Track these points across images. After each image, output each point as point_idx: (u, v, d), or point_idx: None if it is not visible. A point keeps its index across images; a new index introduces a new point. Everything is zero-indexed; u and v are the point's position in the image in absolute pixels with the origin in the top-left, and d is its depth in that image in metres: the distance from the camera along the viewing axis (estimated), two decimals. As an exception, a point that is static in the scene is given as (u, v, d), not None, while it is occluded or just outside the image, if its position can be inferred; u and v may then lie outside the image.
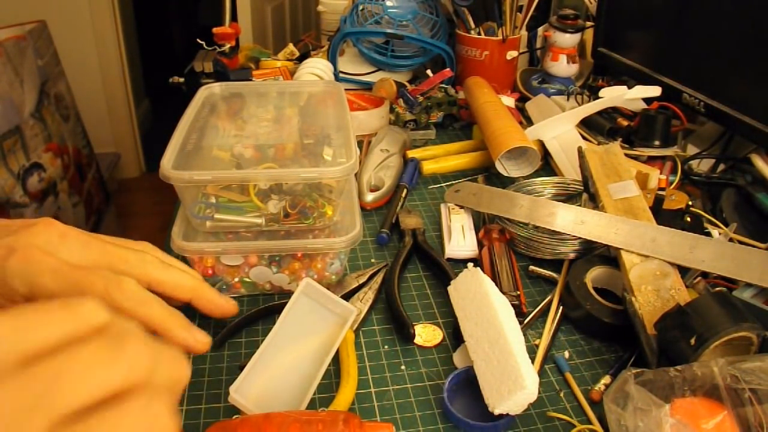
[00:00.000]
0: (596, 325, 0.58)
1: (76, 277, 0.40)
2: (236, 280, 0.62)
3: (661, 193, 0.75)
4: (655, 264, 0.59)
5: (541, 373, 0.54)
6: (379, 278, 0.65)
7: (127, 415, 0.26)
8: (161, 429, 0.27)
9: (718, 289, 0.59)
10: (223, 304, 0.52)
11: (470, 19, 1.13)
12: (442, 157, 0.92)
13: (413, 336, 0.57)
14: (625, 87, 0.93)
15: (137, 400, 0.27)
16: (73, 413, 0.25)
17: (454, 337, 0.58)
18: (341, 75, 1.19)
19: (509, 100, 1.04)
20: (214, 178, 0.58)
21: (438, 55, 1.17)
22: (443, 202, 0.78)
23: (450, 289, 0.59)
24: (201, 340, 0.45)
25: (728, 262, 0.58)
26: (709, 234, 0.69)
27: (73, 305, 0.28)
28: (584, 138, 0.92)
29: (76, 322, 0.27)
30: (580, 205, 0.70)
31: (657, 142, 0.88)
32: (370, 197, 0.79)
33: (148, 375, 0.28)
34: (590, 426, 0.49)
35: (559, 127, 0.91)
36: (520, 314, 0.59)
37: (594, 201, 0.69)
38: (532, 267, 0.67)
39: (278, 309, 0.55)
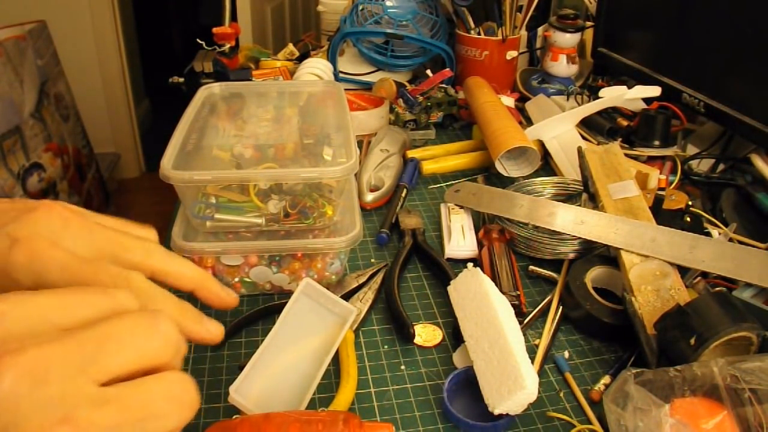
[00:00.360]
0: (596, 325, 0.58)
1: (85, 273, 0.41)
2: (236, 280, 0.62)
3: (661, 193, 0.75)
4: (655, 264, 0.59)
5: (541, 373, 0.54)
6: (379, 278, 0.65)
7: (166, 383, 0.29)
8: (191, 401, 0.30)
9: (718, 289, 0.59)
10: (225, 297, 0.52)
11: (470, 19, 1.13)
12: (442, 157, 0.92)
13: (413, 336, 0.57)
14: (625, 87, 0.93)
15: (173, 373, 0.29)
16: (117, 377, 0.27)
17: (454, 337, 0.58)
18: (341, 75, 1.19)
19: (509, 100, 1.04)
20: (214, 178, 0.58)
21: (438, 55, 1.17)
22: (443, 202, 0.78)
23: (450, 289, 0.59)
24: (214, 330, 0.45)
25: (728, 262, 0.58)
26: (709, 234, 0.69)
27: (106, 290, 0.31)
28: (584, 138, 0.92)
29: (114, 303, 0.30)
30: (580, 205, 0.70)
31: (657, 142, 0.88)
32: (370, 197, 0.79)
33: (175, 352, 0.30)
34: (590, 426, 0.49)
35: (559, 127, 0.91)
36: (520, 314, 0.59)
37: (594, 201, 0.69)
38: (532, 267, 0.67)
39: (278, 309, 0.55)
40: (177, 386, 0.29)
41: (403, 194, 0.80)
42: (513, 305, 0.58)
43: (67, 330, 0.28)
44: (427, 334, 0.59)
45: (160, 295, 0.44)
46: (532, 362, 0.53)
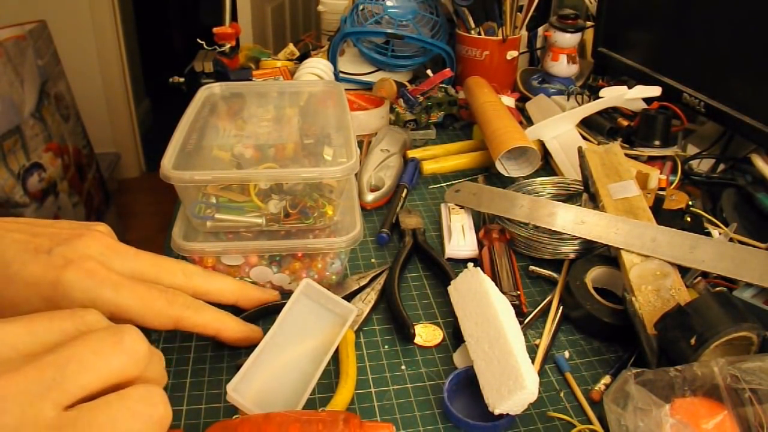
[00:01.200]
0: (596, 325, 0.58)
1: (140, 292, 0.43)
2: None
3: (661, 193, 0.75)
4: (655, 264, 0.59)
5: (541, 373, 0.54)
6: (381, 279, 0.65)
7: (129, 400, 0.29)
8: (160, 416, 0.30)
9: (718, 289, 0.59)
10: (267, 297, 0.58)
11: (470, 19, 1.13)
12: (442, 157, 0.92)
13: (413, 336, 0.57)
14: (625, 87, 0.93)
15: (137, 390, 0.29)
16: (83, 398, 0.28)
17: (454, 337, 0.58)
18: (341, 75, 1.19)
19: (509, 100, 1.04)
20: (214, 178, 0.58)
21: (438, 55, 1.17)
22: (443, 202, 0.78)
23: (450, 289, 0.59)
24: (255, 329, 0.54)
25: (728, 262, 0.58)
26: (709, 234, 0.69)
27: (73, 313, 0.30)
28: (584, 138, 0.92)
29: (78, 327, 0.30)
30: (580, 205, 0.70)
31: (657, 142, 0.88)
32: (370, 197, 0.79)
33: (144, 366, 0.30)
34: (590, 426, 0.49)
35: (559, 127, 0.91)
36: (520, 314, 0.59)
37: (594, 201, 0.69)
38: (532, 267, 0.67)
39: (277, 309, 0.56)
40: (142, 403, 0.29)
41: (404, 194, 0.80)
42: (513, 305, 0.58)
43: (30, 356, 0.27)
44: (428, 334, 0.59)
45: (204, 307, 0.49)
46: (533, 362, 0.53)
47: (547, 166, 0.92)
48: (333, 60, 1.17)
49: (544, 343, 0.57)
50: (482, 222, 0.75)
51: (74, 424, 0.26)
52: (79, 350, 0.28)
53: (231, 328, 0.51)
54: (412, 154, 0.92)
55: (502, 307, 0.54)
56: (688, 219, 0.70)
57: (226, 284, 0.54)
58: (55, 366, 0.27)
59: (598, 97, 0.93)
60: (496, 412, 0.47)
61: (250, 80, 1.10)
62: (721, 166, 0.87)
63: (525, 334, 0.58)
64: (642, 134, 0.89)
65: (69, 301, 0.40)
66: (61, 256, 0.41)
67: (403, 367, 0.55)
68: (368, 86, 1.16)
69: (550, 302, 0.62)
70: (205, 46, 1.16)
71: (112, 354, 0.29)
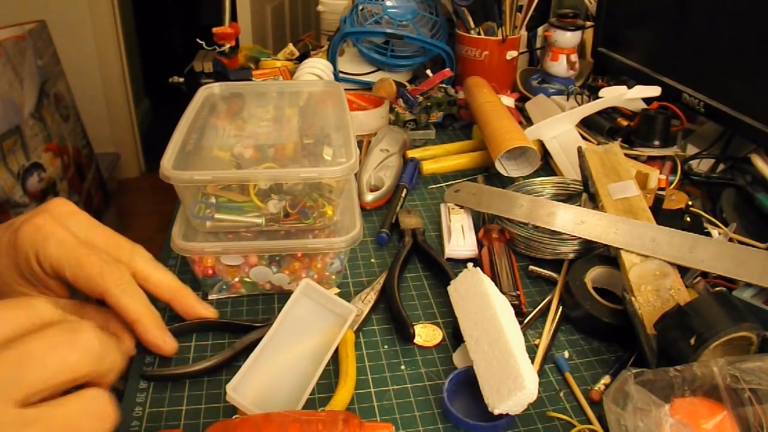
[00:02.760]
0: (596, 325, 0.58)
1: (79, 253, 0.45)
2: (236, 280, 0.62)
3: (661, 193, 0.75)
4: (655, 264, 0.59)
5: (541, 373, 0.54)
6: (381, 279, 0.65)
7: (84, 399, 0.30)
8: (108, 415, 0.31)
9: (718, 289, 0.59)
10: (201, 310, 0.56)
11: (470, 19, 1.13)
12: (441, 157, 0.92)
13: (413, 336, 0.57)
14: (625, 87, 0.93)
15: (90, 390, 0.30)
16: (41, 394, 0.28)
17: (454, 337, 0.58)
18: (341, 75, 1.19)
19: (509, 100, 1.04)
20: (214, 178, 0.58)
21: (438, 55, 1.17)
22: (443, 202, 0.78)
23: (450, 289, 0.59)
24: (170, 343, 0.51)
25: (728, 262, 0.58)
26: (709, 234, 0.69)
27: (26, 303, 0.31)
28: (584, 138, 0.92)
29: (30, 317, 0.31)
30: (580, 205, 0.70)
31: (657, 142, 0.88)
32: (370, 197, 0.79)
33: (98, 360, 0.31)
34: (590, 426, 0.49)
35: (559, 127, 0.91)
36: (520, 314, 0.59)
37: (594, 201, 0.69)
38: (531, 267, 0.67)
39: (218, 327, 0.57)
40: (95, 402, 0.30)
41: (403, 194, 0.80)
42: (513, 305, 0.58)
43: None
44: (427, 334, 0.59)
45: (136, 293, 0.49)
46: (532, 362, 0.53)
47: (547, 166, 0.92)
48: (333, 60, 1.17)
49: (543, 343, 0.57)
50: (482, 222, 0.75)
51: (38, 420, 0.27)
52: (37, 346, 0.28)
53: (148, 324, 0.48)
54: (411, 154, 0.92)
55: (501, 307, 0.54)
56: (688, 219, 0.70)
57: (167, 280, 0.53)
58: (14, 362, 0.27)
59: (598, 97, 0.93)
60: (496, 412, 0.47)
61: (250, 80, 1.10)
62: (721, 166, 0.87)
63: (525, 334, 0.58)
64: (642, 134, 0.89)
65: (19, 254, 0.43)
66: (24, 218, 0.44)
67: (402, 367, 0.55)
68: (368, 86, 1.16)
69: (549, 302, 0.62)
70: (204, 46, 1.16)
71: (68, 351, 0.30)
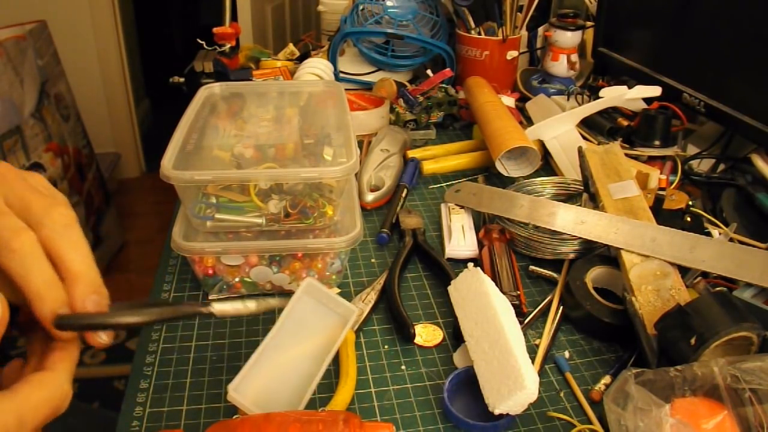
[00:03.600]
0: (596, 325, 0.58)
1: None
2: (237, 280, 0.62)
3: (661, 193, 0.75)
4: (656, 264, 0.59)
5: (541, 373, 0.54)
6: (381, 279, 0.65)
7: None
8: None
9: (718, 289, 0.59)
10: (86, 307, 0.40)
11: (470, 19, 1.13)
12: (442, 157, 0.92)
13: (413, 336, 0.57)
14: (625, 87, 0.93)
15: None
16: None
17: (454, 337, 0.58)
18: (341, 75, 1.19)
19: (509, 100, 1.04)
20: (214, 178, 0.58)
21: (438, 55, 1.17)
22: (443, 202, 0.78)
23: (450, 289, 0.59)
24: (72, 337, 0.39)
25: (728, 262, 0.58)
26: (709, 234, 0.69)
27: None
28: (584, 138, 0.92)
29: None
30: (580, 205, 0.70)
31: (657, 142, 0.88)
32: (370, 197, 0.79)
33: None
34: (590, 426, 0.49)
35: (559, 127, 0.91)
36: (520, 314, 0.59)
37: (594, 201, 0.69)
38: (532, 267, 0.67)
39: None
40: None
41: (404, 194, 0.80)
42: (513, 305, 0.58)
43: None
44: (428, 334, 0.59)
45: (35, 269, 0.38)
46: (533, 362, 0.53)
47: (547, 166, 0.92)
48: (333, 60, 1.17)
49: (544, 343, 0.57)
50: (482, 222, 0.75)
51: None
52: None
53: (45, 298, 0.38)
54: (412, 154, 0.92)
55: (502, 307, 0.54)
56: (688, 219, 0.70)
57: (83, 261, 0.40)
58: None
59: (598, 97, 0.93)
60: (496, 412, 0.47)
61: (250, 80, 1.10)
62: (721, 166, 0.87)
63: (525, 334, 0.58)
64: (642, 134, 0.89)
65: None
66: None
67: (403, 367, 0.55)
68: (368, 86, 1.16)
69: (550, 302, 0.62)
70: (205, 46, 1.16)
71: None
